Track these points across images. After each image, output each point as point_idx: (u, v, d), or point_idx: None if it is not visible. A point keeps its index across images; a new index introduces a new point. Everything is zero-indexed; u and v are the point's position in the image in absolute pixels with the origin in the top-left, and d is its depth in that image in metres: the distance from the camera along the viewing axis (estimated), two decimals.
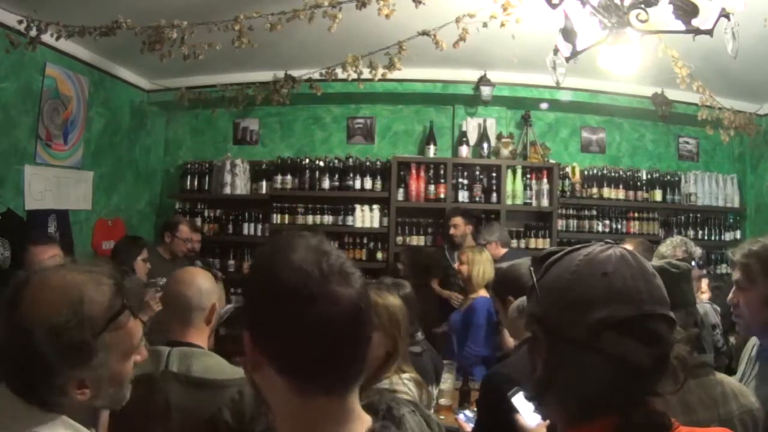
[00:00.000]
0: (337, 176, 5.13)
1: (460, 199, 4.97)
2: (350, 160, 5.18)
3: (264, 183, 5.23)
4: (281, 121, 5.50)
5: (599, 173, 5.24)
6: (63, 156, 4.25)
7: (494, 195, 5.00)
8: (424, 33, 3.36)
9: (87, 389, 1.05)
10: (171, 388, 1.63)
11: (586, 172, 5.26)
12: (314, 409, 0.81)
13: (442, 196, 4.97)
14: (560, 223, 5.09)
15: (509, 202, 4.99)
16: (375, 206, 5.08)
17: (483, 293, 3.50)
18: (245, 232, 5.20)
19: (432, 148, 5.15)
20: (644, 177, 5.32)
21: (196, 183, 5.32)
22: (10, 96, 3.75)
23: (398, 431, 0.83)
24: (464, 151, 5.12)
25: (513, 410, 1.64)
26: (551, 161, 5.17)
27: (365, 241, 5.10)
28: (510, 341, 2.57)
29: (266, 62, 4.53)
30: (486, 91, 4.88)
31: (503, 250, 4.26)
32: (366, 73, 3.76)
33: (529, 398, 1.53)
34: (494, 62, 4.64)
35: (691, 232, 5.22)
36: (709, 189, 5.42)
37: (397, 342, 1.96)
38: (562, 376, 0.89)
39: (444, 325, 3.93)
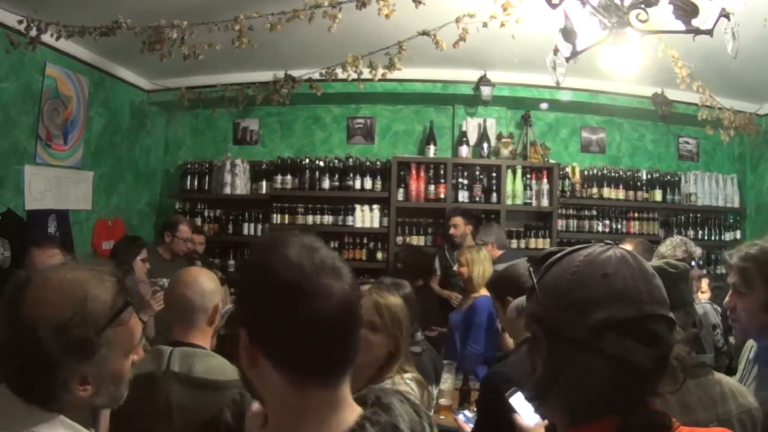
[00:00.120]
0: (337, 176, 5.13)
1: (460, 199, 4.97)
2: (350, 160, 5.18)
3: (264, 183, 5.23)
4: (281, 121, 5.50)
5: (599, 173, 5.24)
6: (63, 156, 4.25)
7: (494, 195, 5.00)
8: (424, 33, 3.36)
9: (89, 386, 1.05)
10: (172, 387, 1.63)
11: (586, 172, 5.26)
12: (309, 399, 0.85)
13: (442, 196, 4.97)
14: (560, 223, 5.09)
15: (509, 202, 4.99)
16: (375, 206, 5.09)
17: (484, 292, 3.50)
18: (245, 232, 5.20)
19: (432, 148, 5.15)
20: (644, 177, 5.32)
21: (196, 183, 5.32)
22: (10, 96, 3.75)
23: (387, 416, 0.86)
24: (464, 151, 5.12)
25: (511, 410, 1.64)
26: (551, 161, 5.17)
27: (365, 241, 5.10)
28: (510, 341, 2.57)
29: (266, 62, 4.53)
30: (486, 91, 4.88)
31: (499, 252, 4.26)
32: (366, 73, 3.76)
33: (529, 398, 1.53)
34: (494, 62, 4.64)
35: (691, 232, 5.22)
36: (709, 189, 5.42)
37: (399, 342, 1.96)
38: (563, 376, 0.89)
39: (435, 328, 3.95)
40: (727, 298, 1.77)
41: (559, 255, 0.96)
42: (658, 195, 5.27)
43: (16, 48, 3.43)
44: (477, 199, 5.00)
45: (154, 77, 5.09)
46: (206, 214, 5.29)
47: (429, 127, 5.25)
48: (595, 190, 5.19)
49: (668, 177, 5.36)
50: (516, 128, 5.38)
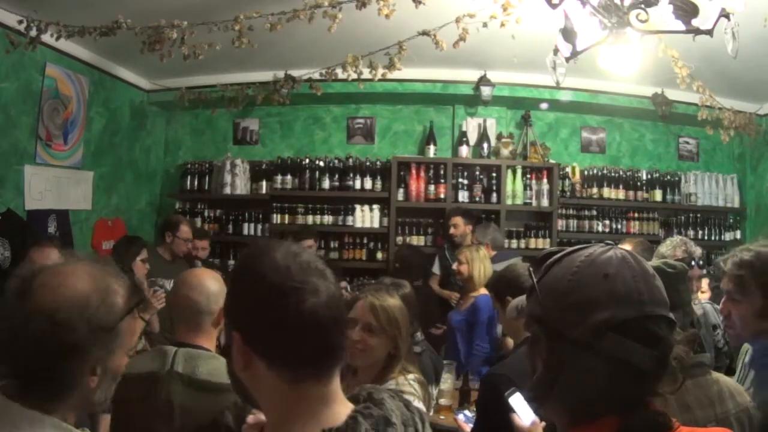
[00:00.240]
0: (337, 176, 5.13)
1: (460, 199, 4.97)
2: (350, 160, 5.18)
3: (264, 183, 5.23)
4: (281, 121, 5.50)
5: (599, 173, 5.24)
6: (63, 156, 4.25)
7: (494, 195, 5.00)
8: (424, 33, 3.36)
9: (95, 377, 1.06)
10: (174, 388, 1.63)
11: (586, 172, 5.26)
12: (304, 395, 0.88)
13: (442, 196, 4.97)
14: (560, 223, 5.09)
15: (509, 202, 4.99)
16: (375, 206, 5.08)
17: (484, 291, 3.51)
18: (245, 232, 5.20)
19: (432, 148, 5.15)
20: (644, 177, 5.32)
21: (196, 183, 5.32)
22: (10, 96, 3.75)
23: (379, 411, 0.89)
24: (464, 151, 5.12)
25: (509, 410, 1.64)
26: (551, 161, 5.17)
27: (365, 241, 5.10)
28: (511, 343, 2.57)
29: (266, 62, 4.53)
30: (486, 91, 4.88)
31: (493, 253, 4.26)
32: (366, 73, 3.76)
33: (529, 399, 1.53)
34: (494, 62, 4.64)
35: (691, 232, 5.22)
36: (709, 189, 5.42)
37: (398, 342, 1.96)
38: (563, 376, 0.89)
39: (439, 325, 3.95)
40: (721, 305, 1.75)
41: (559, 255, 0.96)
42: (658, 195, 5.27)
43: (16, 48, 3.43)
44: (477, 199, 5.00)
45: (154, 77, 5.09)
46: (206, 214, 5.29)
47: (429, 127, 5.25)
48: (595, 190, 5.19)
49: (668, 177, 5.36)
50: (516, 128, 5.38)
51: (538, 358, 0.93)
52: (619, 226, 5.22)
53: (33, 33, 3.41)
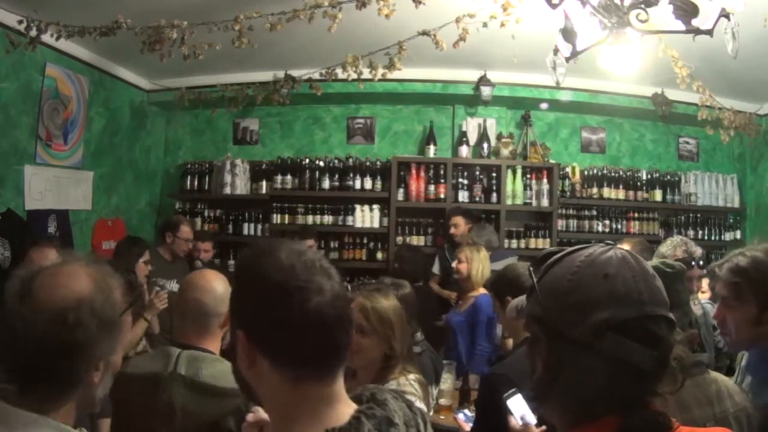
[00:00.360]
0: (337, 176, 5.13)
1: (460, 199, 4.97)
2: (350, 160, 5.18)
3: (264, 183, 5.23)
4: (281, 121, 5.50)
5: (599, 173, 5.24)
6: (63, 156, 4.25)
7: (494, 195, 5.00)
8: (424, 33, 3.36)
9: (99, 372, 1.07)
10: (176, 390, 1.63)
11: (586, 172, 5.26)
12: (307, 395, 0.88)
13: (442, 196, 4.97)
14: (560, 223, 5.09)
15: (509, 202, 4.99)
16: (375, 206, 5.08)
17: (483, 291, 3.51)
18: (245, 232, 5.20)
19: (432, 148, 5.15)
20: (644, 177, 5.32)
21: (196, 183, 5.32)
22: (10, 96, 3.75)
23: (382, 411, 0.89)
24: (464, 151, 5.12)
25: (506, 411, 1.65)
26: (551, 161, 5.17)
27: (365, 241, 5.10)
28: (510, 345, 2.57)
29: (266, 62, 4.53)
30: (486, 91, 4.88)
31: (488, 253, 4.25)
32: (366, 73, 3.76)
33: (529, 399, 1.54)
34: (494, 62, 4.64)
35: (691, 232, 5.22)
36: (709, 189, 5.42)
37: (392, 343, 1.96)
38: (563, 376, 0.89)
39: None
40: (715, 310, 1.73)
41: (559, 255, 0.96)
42: (658, 195, 5.27)
43: (16, 48, 3.43)
44: (477, 199, 5.00)
45: (154, 77, 5.09)
46: (206, 214, 5.29)
47: (429, 127, 5.25)
48: (595, 190, 5.19)
49: (668, 177, 5.36)
50: (516, 128, 5.38)
51: (538, 358, 0.93)
52: (619, 226, 5.22)
53: (33, 33, 3.41)
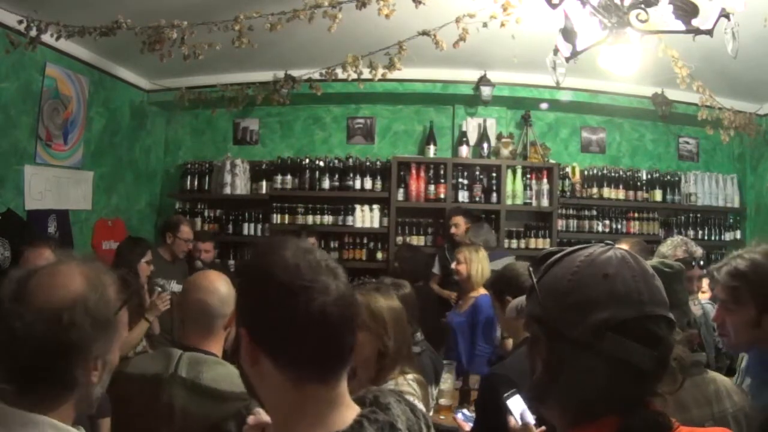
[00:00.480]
0: (337, 176, 5.13)
1: (460, 199, 4.97)
2: (350, 160, 5.18)
3: (264, 183, 5.23)
4: (281, 121, 5.50)
5: (599, 173, 5.24)
6: (63, 156, 4.25)
7: (494, 195, 5.00)
8: (424, 33, 3.36)
9: (96, 371, 1.07)
10: (176, 392, 1.62)
11: (586, 172, 5.26)
12: (309, 397, 0.87)
13: (442, 196, 4.97)
14: (560, 223, 5.09)
15: (509, 202, 4.99)
16: (375, 206, 5.08)
17: (483, 291, 3.51)
18: (245, 232, 5.20)
19: (432, 148, 5.15)
20: (644, 177, 5.32)
21: (196, 183, 5.32)
22: (10, 96, 3.75)
23: (385, 415, 0.88)
24: (464, 151, 5.13)
25: (506, 411, 1.65)
26: (551, 161, 5.17)
27: (365, 241, 5.10)
28: (509, 342, 2.57)
29: (266, 62, 4.53)
30: (486, 91, 4.88)
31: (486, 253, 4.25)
32: (366, 73, 3.76)
33: (529, 399, 1.54)
34: (494, 62, 4.64)
35: (691, 232, 5.22)
36: (709, 189, 5.42)
37: (384, 340, 1.95)
38: (563, 376, 0.89)
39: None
40: (714, 313, 1.74)
41: (559, 255, 0.96)
42: (658, 195, 5.27)
43: (16, 48, 3.43)
44: (477, 199, 5.00)
45: (154, 77, 5.09)
46: (206, 214, 5.29)
47: (429, 127, 5.25)
48: (595, 190, 5.19)
49: (668, 177, 5.36)
50: (516, 128, 5.38)
51: (538, 358, 0.92)
52: (619, 226, 5.22)
53: (33, 33, 3.41)
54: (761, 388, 1.62)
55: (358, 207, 5.07)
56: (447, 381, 2.90)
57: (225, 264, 4.97)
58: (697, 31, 2.39)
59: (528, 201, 5.05)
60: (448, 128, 5.38)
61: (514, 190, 5.01)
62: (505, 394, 1.67)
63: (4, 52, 3.47)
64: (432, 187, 4.99)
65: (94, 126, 4.63)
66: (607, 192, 5.19)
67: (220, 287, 1.76)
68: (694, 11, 2.38)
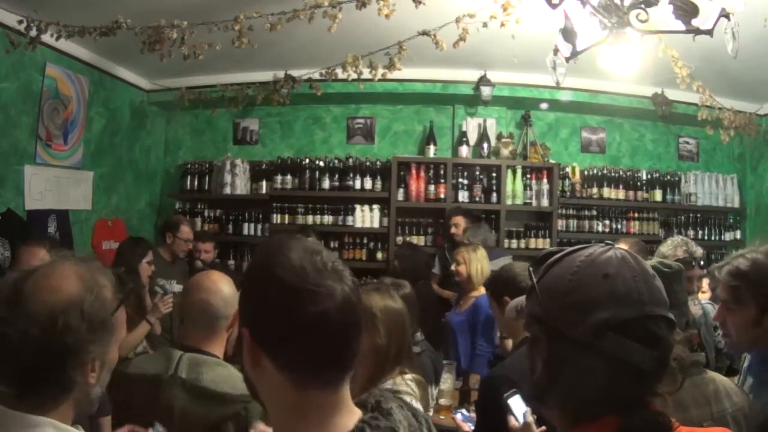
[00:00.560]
0: (337, 176, 5.13)
1: (460, 199, 4.97)
2: (350, 160, 5.18)
3: (264, 183, 5.23)
4: (281, 121, 5.50)
5: (599, 173, 5.24)
6: (63, 156, 4.25)
7: (494, 195, 5.00)
8: (424, 33, 3.36)
9: (94, 372, 1.07)
10: (176, 393, 1.62)
11: (586, 172, 5.26)
12: (310, 401, 0.85)
13: (442, 196, 4.97)
14: (560, 223, 5.09)
15: (509, 202, 4.99)
16: (375, 206, 5.08)
17: (483, 291, 3.50)
18: (245, 232, 5.20)
19: (432, 148, 5.15)
20: (644, 177, 5.32)
21: (196, 183, 5.32)
22: (10, 96, 3.75)
23: (387, 421, 0.87)
24: (464, 151, 5.12)
25: (507, 411, 1.65)
26: (551, 161, 5.17)
27: (365, 241, 5.10)
28: (509, 343, 2.57)
29: (266, 62, 4.53)
30: (486, 91, 4.88)
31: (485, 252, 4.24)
32: (366, 73, 3.76)
33: (529, 399, 1.54)
34: (494, 62, 4.64)
35: (691, 232, 5.22)
36: (709, 189, 5.42)
37: (375, 338, 1.92)
38: (563, 376, 0.89)
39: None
40: (715, 312, 1.74)
41: (559, 255, 0.96)
42: (658, 195, 5.27)
43: (16, 48, 3.43)
44: (477, 199, 5.00)
45: (154, 77, 5.09)
46: (206, 214, 5.29)
47: (429, 127, 5.25)
48: (595, 190, 5.19)
49: (668, 177, 5.36)
50: (516, 128, 5.38)
51: (538, 358, 0.92)
52: (619, 226, 5.22)
53: (33, 33, 3.41)
54: (761, 387, 1.62)
55: (358, 207, 5.07)
56: (447, 381, 2.90)
57: (225, 264, 4.97)
58: (697, 31, 2.39)
59: (528, 201, 5.05)
60: (448, 128, 5.38)
61: (514, 190, 5.01)
62: (506, 394, 1.66)
63: (4, 52, 3.47)
64: (432, 187, 4.99)
65: (94, 126, 4.63)
66: (607, 192, 5.19)
67: (223, 288, 1.75)
68: (694, 11, 2.38)
